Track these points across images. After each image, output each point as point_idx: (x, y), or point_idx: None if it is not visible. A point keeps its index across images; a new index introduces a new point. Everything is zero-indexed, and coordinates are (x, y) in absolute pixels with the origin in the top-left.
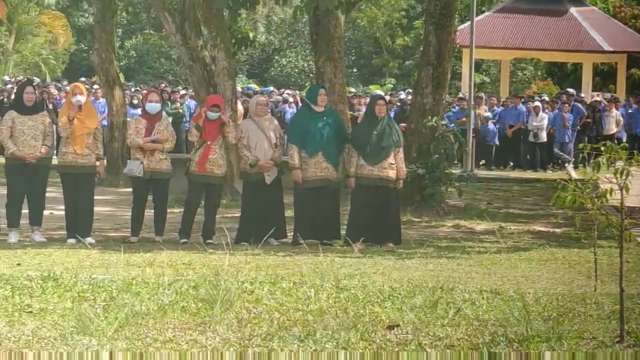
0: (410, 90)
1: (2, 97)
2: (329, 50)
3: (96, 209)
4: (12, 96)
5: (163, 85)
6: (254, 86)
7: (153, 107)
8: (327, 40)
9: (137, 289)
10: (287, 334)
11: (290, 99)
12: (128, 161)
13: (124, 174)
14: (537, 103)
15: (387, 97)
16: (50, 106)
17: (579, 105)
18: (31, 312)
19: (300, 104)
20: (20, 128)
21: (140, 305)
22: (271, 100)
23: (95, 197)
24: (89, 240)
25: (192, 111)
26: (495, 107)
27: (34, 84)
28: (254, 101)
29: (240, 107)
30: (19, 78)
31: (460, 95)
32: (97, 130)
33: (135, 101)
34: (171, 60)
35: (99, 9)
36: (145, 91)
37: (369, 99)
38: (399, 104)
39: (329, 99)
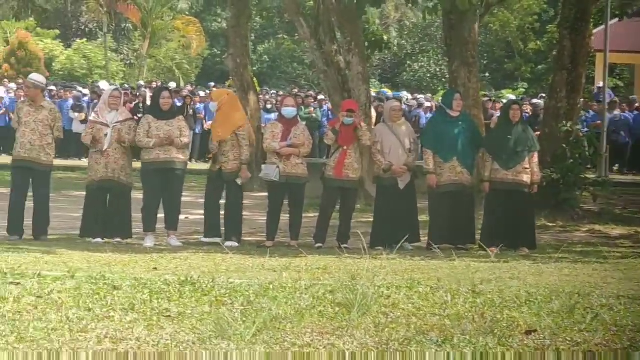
0: (544, 95)
1: (137, 102)
2: (463, 55)
3: None
4: (148, 101)
5: (296, 90)
6: (387, 91)
7: (289, 111)
8: (461, 45)
9: (274, 294)
10: (424, 338)
11: (427, 104)
12: (264, 165)
13: (259, 178)
14: None
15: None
16: (191, 111)
17: None
18: (169, 316)
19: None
20: (156, 133)
21: (278, 310)
22: (405, 105)
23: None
24: (230, 244)
25: (329, 116)
26: (626, 112)
27: (170, 89)
28: (388, 106)
29: (373, 112)
30: (155, 83)
31: (598, 86)
32: (238, 135)
33: (268, 106)
34: (304, 65)
35: (233, 14)
36: (279, 96)
37: (502, 103)
38: (528, 113)
39: (463, 104)
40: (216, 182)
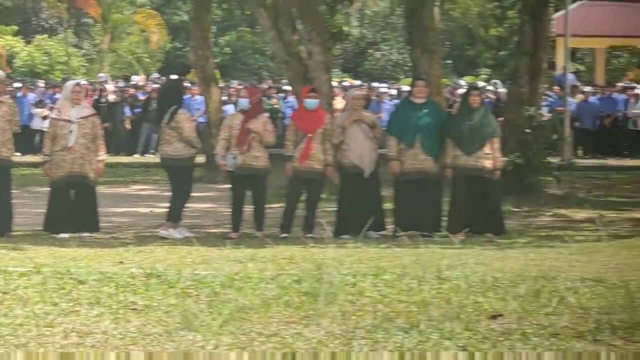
0: (497, 81)
1: (98, 96)
2: (425, 43)
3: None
4: (110, 96)
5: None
6: (348, 80)
7: (244, 102)
8: (422, 32)
9: (240, 284)
10: (391, 325)
11: (393, 92)
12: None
13: (223, 170)
14: (638, 91)
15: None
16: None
17: None
18: (135, 309)
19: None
20: None
21: (244, 300)
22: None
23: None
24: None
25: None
26: (590, 97)
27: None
28: (350, 95)
29: (338, 102)
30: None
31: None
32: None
33: (224, 97)
34: (266, 56)
35: (194, 7)
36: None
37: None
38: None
39: (427, 91)
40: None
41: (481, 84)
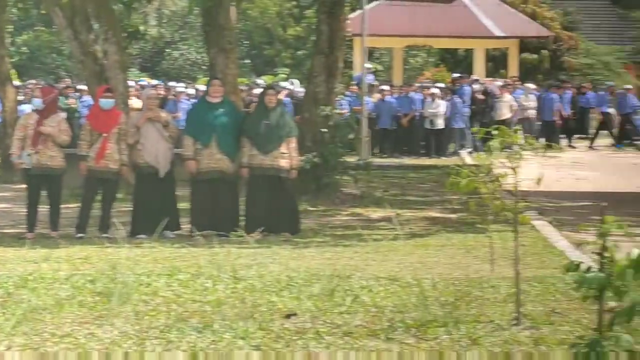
0: (294, 80)
1: None
2: (221, 42)
3: None
4: None
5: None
6: (146, 79)
7: (37, 102)
8: (218, 31)
9: (33, 285)
10: (185, 325)
11: (191, 91)
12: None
13: (19, 169)
14: (434, 90)
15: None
16: None
17: (468, 88)
18: None
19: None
20: None
21: (37, 301)
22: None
23: None
24: None
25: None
26: (387, 96)
27: None
28: (145, 95)
29: (134, 101)
30: None
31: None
32: None
33: (20, 97)
34: (63, 56)
35: None
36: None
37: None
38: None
39: (223, 90)
40: None
41: (283, 83)
